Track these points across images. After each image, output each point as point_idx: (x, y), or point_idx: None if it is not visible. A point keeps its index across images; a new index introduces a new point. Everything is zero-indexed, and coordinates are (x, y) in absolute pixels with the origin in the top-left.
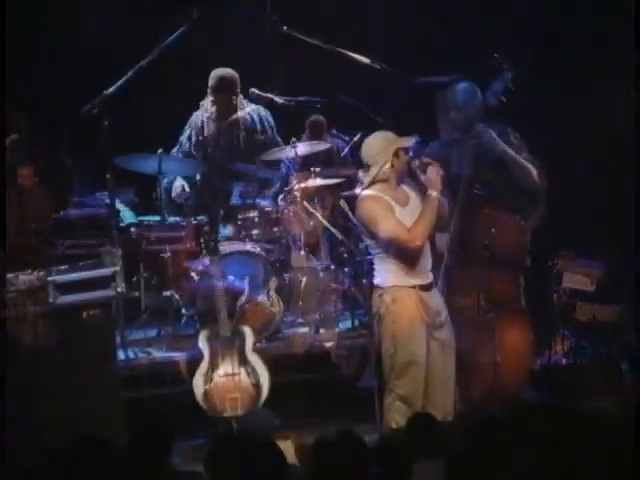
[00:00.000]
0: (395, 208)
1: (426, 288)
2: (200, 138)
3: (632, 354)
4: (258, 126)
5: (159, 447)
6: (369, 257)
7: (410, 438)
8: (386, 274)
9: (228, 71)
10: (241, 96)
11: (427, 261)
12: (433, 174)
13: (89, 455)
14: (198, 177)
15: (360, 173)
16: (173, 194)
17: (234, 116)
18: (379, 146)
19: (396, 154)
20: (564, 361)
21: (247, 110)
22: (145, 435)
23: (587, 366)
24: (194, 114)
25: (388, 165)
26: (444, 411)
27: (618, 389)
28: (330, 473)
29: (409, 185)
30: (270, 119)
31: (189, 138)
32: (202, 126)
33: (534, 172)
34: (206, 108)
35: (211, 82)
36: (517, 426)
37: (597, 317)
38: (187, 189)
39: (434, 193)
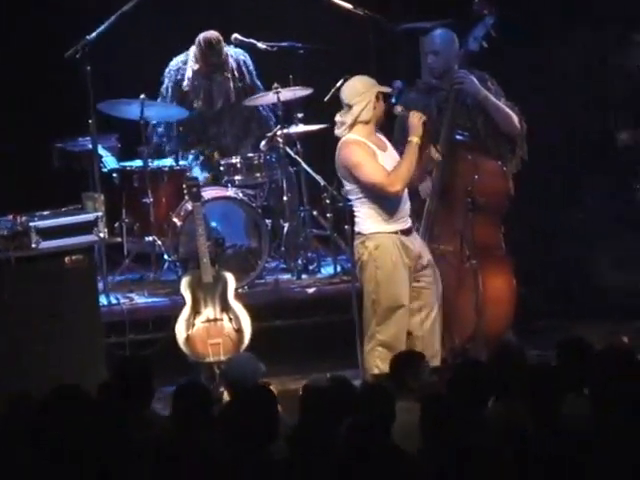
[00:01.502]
0: (377, 153)
1: (406, 233)
2: (186, 89)
3: None
4: (236, 73)
5: (140, 392)
6: (349, 203)
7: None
8: (367, 220)
9: (213, 36)
10: (225, 48)
11: (406, 206)
12: (415, 120)
13: (68, 403)
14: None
15: (338, 116)
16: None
17: (222, 71)
18: (363, 87)
19: (377, 97)
20: None
21: (230, 59)
22: (126, 380)
23: None
24: (172, 62)
25: (371, 105)
26: (428, 356)
27: None
28: (321, 418)
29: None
30: (249, 63)
31: (171, 87)
32: (189, 80)
33: (515, 118)
34: (192, 63)
35: (198, 46)
36: (501, 370)
37: None
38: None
39: (415, 139)
